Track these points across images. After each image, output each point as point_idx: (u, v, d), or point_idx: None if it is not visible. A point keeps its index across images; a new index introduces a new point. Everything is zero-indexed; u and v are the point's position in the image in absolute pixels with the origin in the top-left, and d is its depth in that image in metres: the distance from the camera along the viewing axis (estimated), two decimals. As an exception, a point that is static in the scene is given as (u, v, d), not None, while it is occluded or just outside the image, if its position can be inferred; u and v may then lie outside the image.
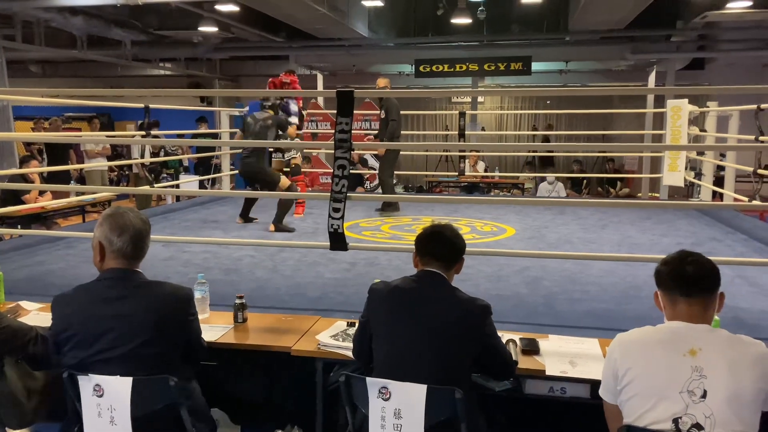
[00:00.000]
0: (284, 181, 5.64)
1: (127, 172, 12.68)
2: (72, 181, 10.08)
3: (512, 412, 2.62)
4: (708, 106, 7.17)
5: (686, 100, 6.66)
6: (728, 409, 1.69)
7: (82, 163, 10.11)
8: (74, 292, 2.12)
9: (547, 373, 2.40)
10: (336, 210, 3.22)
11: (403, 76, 14.46)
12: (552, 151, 13.66)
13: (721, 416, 1.69)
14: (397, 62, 13.95)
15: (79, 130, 13.44)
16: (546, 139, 14.66)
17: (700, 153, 7.34)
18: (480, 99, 14.97)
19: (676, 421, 1.71)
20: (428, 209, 6.79)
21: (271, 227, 5.54)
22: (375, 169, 11.24)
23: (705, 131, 7.22)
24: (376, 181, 10.81)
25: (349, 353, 2.43)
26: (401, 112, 6.76)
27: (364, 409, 2.03)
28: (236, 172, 8.66)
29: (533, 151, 13.37)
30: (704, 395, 1.71)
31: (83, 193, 7.45)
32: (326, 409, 2.62)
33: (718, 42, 11.57)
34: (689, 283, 1.86)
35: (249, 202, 6.03)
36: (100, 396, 1.97)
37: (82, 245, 4.69)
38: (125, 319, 2.02)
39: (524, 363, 2.45)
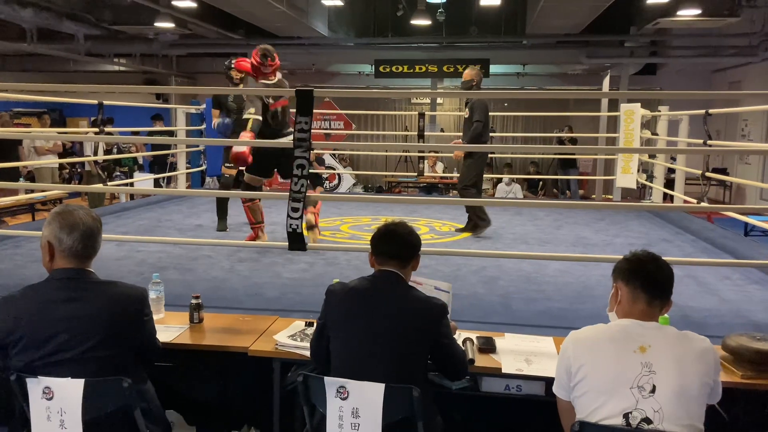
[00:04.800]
0: None
1: (79, 170, 12.35)
2: (21, 179, 9.77)
3: (468, 409, 2.65)
4: (659, 111, 7.36)
5: (639, 104, 6.83)
6: (676, 403, 1.75)
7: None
8: (22, 293, 2.06)
9: (503, 371, 2.43)
10: (295, 210, 3.20)
11: (363, 76, 14.46)
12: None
13: (669, 410, 1.74)
14: (356, 62, 13.94)
15: (29, 126, 13.02)
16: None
17: (652, 156, 7.54)
18: (439, 100, 15.06)
19: (626, 416, 1.75)
20: (387, 210, 6.80)
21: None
22: (333, 169, 11.22)
23: (656, 135, 7.42)
24: (336, 181, 10.79)
25: (307, 353, 2.42)
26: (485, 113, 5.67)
27: (322, 408, 2.03)
28: (193, 170, 8.55)
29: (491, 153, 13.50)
30: (653, 390, 1.76)
31: (33, 191, 7.23)
32: (283, 410, 2.60)
33: (669, 48, 11.93)
34: (657, 286, 1.92)
35: None
36: (50, 399, 1.92)
37: (31, 245, 4.56)
38: (77, 321, 1.97)
39: (481, 361, 2.48)
